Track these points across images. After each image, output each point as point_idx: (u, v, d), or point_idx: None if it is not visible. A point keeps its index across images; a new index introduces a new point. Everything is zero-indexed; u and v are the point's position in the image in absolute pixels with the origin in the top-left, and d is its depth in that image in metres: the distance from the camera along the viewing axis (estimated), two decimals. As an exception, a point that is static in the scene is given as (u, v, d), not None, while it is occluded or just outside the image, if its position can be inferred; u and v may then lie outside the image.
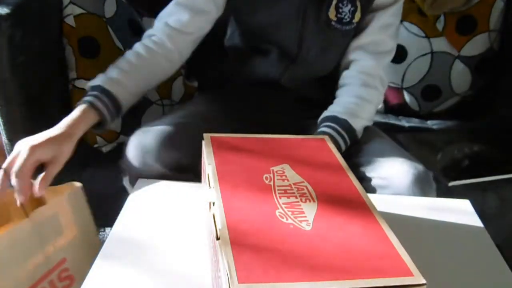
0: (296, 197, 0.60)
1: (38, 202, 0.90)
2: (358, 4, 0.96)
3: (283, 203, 0.59)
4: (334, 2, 0.95)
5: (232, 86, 1.09)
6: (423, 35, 1.53)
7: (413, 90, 1.58)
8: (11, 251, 0.78)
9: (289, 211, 0.57)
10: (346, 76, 1.01)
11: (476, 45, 1.53)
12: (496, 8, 1.51)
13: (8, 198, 0.85)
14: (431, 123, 1.59)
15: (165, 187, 0.81)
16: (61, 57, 1.29)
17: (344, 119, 0.93)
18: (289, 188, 0.62)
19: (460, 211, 0.66)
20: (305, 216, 0.57)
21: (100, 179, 1.21)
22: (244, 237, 0.53)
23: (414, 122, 1.58)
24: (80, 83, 1.28)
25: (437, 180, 0.94)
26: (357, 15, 0.96)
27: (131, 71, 0.92)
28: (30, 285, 0.81)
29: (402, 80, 1.57)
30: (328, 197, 0.61)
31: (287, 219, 0.56)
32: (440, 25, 1.53)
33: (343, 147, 0.92)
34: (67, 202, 0.86)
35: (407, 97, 1.59)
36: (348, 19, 0.96)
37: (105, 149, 1.34)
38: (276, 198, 0.60)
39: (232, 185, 0.61)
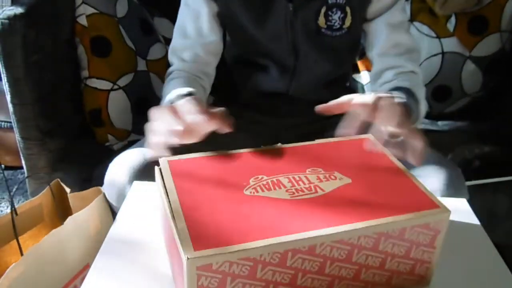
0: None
1: (66, 209, 0.93)
2: (348, 10, 0.95)
3: (256, 183, 0.59)
4: (323, 11, 0.94)
5: (243, 98, 1.09)
6: (434, 35, 1.52)
7: (423, 90, 1.57)
8: (48, 254, 0.80)
9: (263, 187, 0.58)
10: (381, 83, 0.99)
11: (488, 46, 1.52)
12: (507, 8, 1.50)
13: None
14: (441, 124, 1.59)
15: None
16: (73, 56, 1.31)
17: (406, 87, 0.87)
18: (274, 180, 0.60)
19: (457, 210, 0.65)
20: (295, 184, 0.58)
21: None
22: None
23: (425, 123, 1.58)
24: (92, 82, 1.30)
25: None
26: (348, 20, 0.96)
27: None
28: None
29: (413, 81, 1.57)
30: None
31: (257, 192, 0.57)
32: (451, 26, 1.52)
33: (416, 110, 0.84)
34: (96, 208, 0.88)
35: (417, 97, 1.59)
36: (338, 26, 0.96)
37: (116, 147, 1.35)
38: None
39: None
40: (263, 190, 0.57)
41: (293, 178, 0.60)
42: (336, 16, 0.95)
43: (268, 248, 0.49)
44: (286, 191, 0.57)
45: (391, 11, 0.96)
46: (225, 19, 0.98)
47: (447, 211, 0.56)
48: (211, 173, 0.61)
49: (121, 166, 0.91)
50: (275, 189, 0.58)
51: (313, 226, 0.51)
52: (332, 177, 0.60)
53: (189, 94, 0.83)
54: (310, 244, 0.50)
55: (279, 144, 0.69)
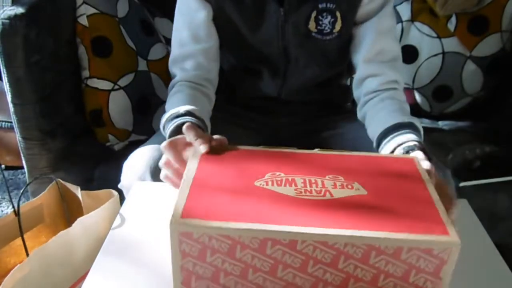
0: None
1: (77, 209, 0.93)
2: (338, 14, 0.95)
3: (270, 177, 0.60)
4: (313, 15, 0.95)
5: (239, 100, 1.10)
6: (435, 35, 1.52)
7: (424, 90, 1.57)
8: (55, 255, 0.81)
9: (275, 182, 0.59)
10: (365, 94, 0.98)
11: (488, 46, 1.52)
12: (508, 8, 1.50)
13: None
14: (442, 124, 1.59)
15: (164, 187, 0.81)
16: (74, 56, 1.31)
17: (409, 122, 0.85)
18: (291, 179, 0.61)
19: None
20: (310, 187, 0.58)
21: (112, 177, 1.22)
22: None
23: (425, 123, 1.58)
24: (92, 82, 1.30)
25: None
26: (338, 25, 0.96)
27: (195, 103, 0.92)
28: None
29: (413, 81, 1.56)
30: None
31: (266, 184, 0.58)
32: (451, 26, 1.52)
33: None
34: (106, 211, 0.88)
35: (418, 97, 1.58)
36: (328, 30, 0.96)
37: (117, 147, 1.35)
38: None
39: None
40: (273, 185, 0.59)
41: (309, 180, 0.60)
42: (326, 21, 0.95)
43: (246, 231, 0.51)
44: (295, 189, 0.58)
45: (379, 15, 0.95)
46: (219, 23, 0.98)
47: (455, 241, 0.51)
48: (236, 161, 0.64)
49: (139, 164, 0.91)
50: (285, 186, 0.59)
51: (299, 222, 0.52)
52: (349, 186, 0.60)
53: (188, 113, 0.84)
54: (290, 238, 0.51)
55: (316, 150, 0.69)
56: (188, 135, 0.72)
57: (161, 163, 0.73)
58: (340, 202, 0.56)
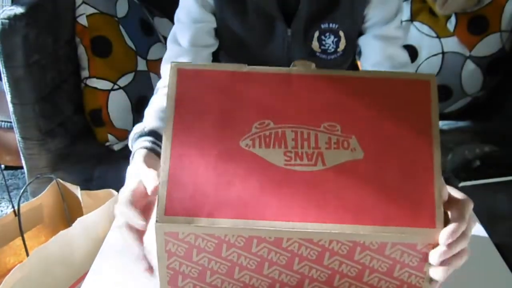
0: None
1: (77, 209, 0.93)
2: (342, 34, 0.95)
3: (255, 133, 0.53)
4: (316, 35, 0.94)
5: None
6: (434, 35, 1.52)
7: (423, 90, 1.57)
8: (55, 255, 0.81)
9: (263, 139, 0.53)
10: None
11: (488, 46, 1.52)
12: (508, 8, 1.50)
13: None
14: (442, 124, 1.59)
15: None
16: (73, 56, 1.31)
17: None
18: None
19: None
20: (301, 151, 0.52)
21: (111, 177, 1.22)
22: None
23: (425, 123, 1.58)
24: (92, 82, 1.30)
25: (447, 181, 0.94)
26: (342, 43, 0.95)
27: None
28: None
29: (413, 80, 1.57)
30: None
31: (253, 146, 0.52)
32: (451, 25, 1.52)
33: None
34: (106, 211, 0.88)
35: (417, 97, 1.58)
36: (332, 49, 0.96)
37: (116, 147, 1.35)
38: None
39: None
40: (260, 146, 0.52)
41: (301, 134, 0.53)
42: (329, 40, 0.95)
43: (232, 230, 0.49)
44: (284, 153, 0.52)
45: (387, 26, 0.95)
46: (223, 35, 0.97)
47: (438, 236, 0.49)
48: (219, 102, 0.54)
49: None
50: (274, 146, 0.52)
51: (285, 216, 0.49)
52: (345, 144, 0.53)
53: (152, 132, 0.78)
54: (276, 236, 0.50)
55: (313, 66, 0.60)
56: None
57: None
58: (331, 175, 0.51)
